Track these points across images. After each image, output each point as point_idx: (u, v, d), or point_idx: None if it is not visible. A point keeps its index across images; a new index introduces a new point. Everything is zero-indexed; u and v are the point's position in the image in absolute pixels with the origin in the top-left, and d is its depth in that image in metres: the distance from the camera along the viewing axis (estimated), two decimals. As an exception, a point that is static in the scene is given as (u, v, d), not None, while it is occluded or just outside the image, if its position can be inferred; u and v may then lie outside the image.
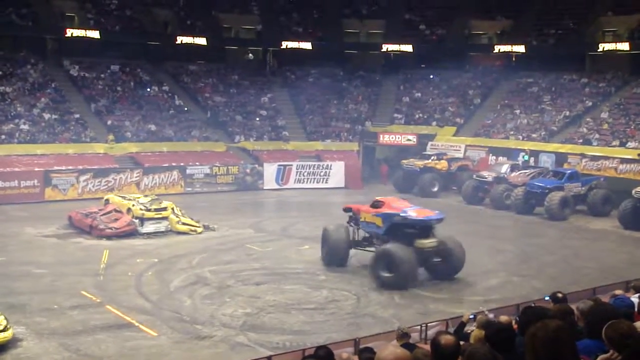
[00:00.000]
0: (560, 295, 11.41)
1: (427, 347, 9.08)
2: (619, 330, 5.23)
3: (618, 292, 11.65)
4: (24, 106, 43.44)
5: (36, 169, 37.66)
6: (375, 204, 24.64)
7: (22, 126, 41.69)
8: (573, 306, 8.53)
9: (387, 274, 22.05)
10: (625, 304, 8.45)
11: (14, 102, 43.41)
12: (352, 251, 25.01)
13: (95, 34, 49.20)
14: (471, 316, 12.66)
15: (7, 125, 41.37)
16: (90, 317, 18.68)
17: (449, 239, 23.61)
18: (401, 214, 23.50)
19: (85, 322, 18.28)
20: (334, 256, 24.53)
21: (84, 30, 49.22)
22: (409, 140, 49.04)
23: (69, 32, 48.68)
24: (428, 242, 23.18)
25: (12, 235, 28.62)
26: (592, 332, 5.87)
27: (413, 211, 23.87)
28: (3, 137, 40.51)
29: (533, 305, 8.93)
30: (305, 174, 44.77)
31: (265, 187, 43.57)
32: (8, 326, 16.41)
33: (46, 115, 43.42)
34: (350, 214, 25.65)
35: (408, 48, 55.86)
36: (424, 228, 23.59)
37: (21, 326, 17.53)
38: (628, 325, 5.32)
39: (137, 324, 18.29)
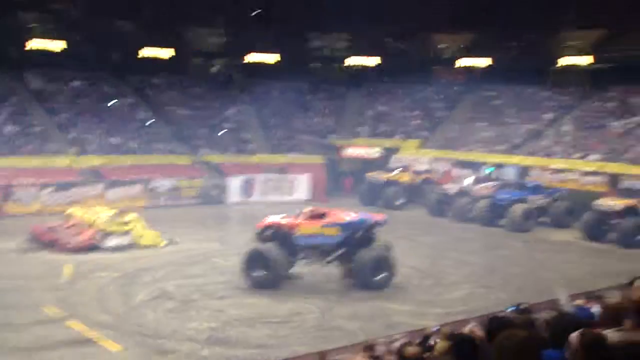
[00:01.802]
0: (524, 306, 11.48)
1: (393, 359, 9.07)
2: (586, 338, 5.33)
3: (580, 302, 11.74)
4: (-16, 119, 43.01)
5: (-3, 183, 37.18)
6: (318, 215, 24.54)
7: (-18, 140, 41.23)
8: (537, 316, 8.59)
9: (377, 278, 23.16)
10: (585, 314, 8.57)
11: (-26, 115, 42.96)
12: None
13: (57, 46, 48.83)
14: (435, 328, 12.68)
15: (-33, 139, 40.89)
16: (53, 333, 18.39)
17: None
18: (368, 219, 24.56)
19: (47, 338, 17.99)
20: (278, 277, 23.51)
21: (46, 42, 48.81)
22: (373, 153, 49.18)
23: (31, 44, 48.25)
24: (382, 242, 24.39)
25: (-28, 250, 28.18)
26: (556, 341, 5.92)
27: (365, 215, 25.30)
28: (-37, 150, 40.02)
29: (499, 315, 9.00)
30: (271, 187, 44.68)
31: (230, 201, 43.40)
32: (-32, 342, 16.14)
33: (7, 128, 42.91)
34: (263, 232, 24.66)
35: (372, 62, 56.19)
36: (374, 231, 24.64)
37: (-19, 342, 17.26)
38: (596, 334, 5.41)
39: (100, 339, 18.07)
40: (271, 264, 23.29)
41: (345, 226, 23.97)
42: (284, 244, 24.02)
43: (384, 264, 23.38)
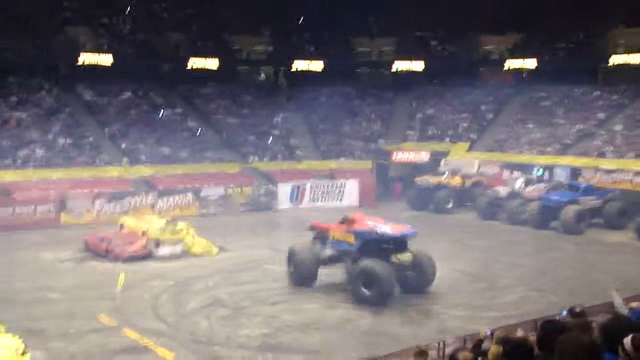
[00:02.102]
0: (578, 309, 11.32)
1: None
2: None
3: (634, 304, 11.54)
4: (39, 131, 43.79)
5: (51, 194, 37.80)
6: (346, 222, 24.58)
7: (37, 151, 41.99)
8: (592, 320, 8.49)
9: (367, 291, 22.17)
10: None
11: (29, 128, 43.79)
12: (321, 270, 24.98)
13: (107, 59, 49.62)
14: (488, 332, 12.57)
15: (22, 151, 41.66)
16: (108, 341, 18.66)
17: (420, 252, 23.74)
18: (378, 231, 23.54)
19: (103, 346, 18.26)
20: (302, 275, 24.42)
21: (96, 55, 49.65)
22: (422, 157, 48.94)
23: (82, 58, 49.12)
24: (405, 257, 23.39)
25: (29, 261, 28.61)
26: (610, 345, 5.84)
27: (387, 227, 23.88)
28: (19, 162, 40.78)
29: (552, 319, 8.90)
30: (320, 193, 44.70)
31: (279, 207, 43.54)
32: (26, 350, 16.40)
33: (61, 140, 43.70)
34: (315, 232, 25.75)
35: (419, 65, 56.05)
36: (400, 243, 23.74)
37: (39, 351, 17.52)
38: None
39: (154, 347, 18.26)
40: (298, 262, 24.44)
41: (358, 235, 23.78)
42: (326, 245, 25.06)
43: (371, 278, 22.14)
